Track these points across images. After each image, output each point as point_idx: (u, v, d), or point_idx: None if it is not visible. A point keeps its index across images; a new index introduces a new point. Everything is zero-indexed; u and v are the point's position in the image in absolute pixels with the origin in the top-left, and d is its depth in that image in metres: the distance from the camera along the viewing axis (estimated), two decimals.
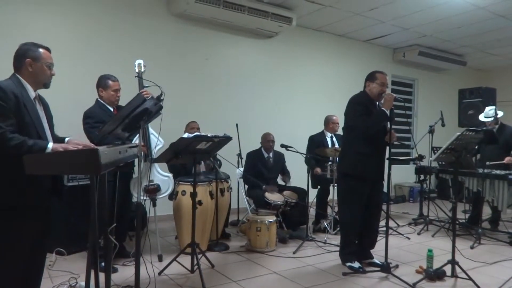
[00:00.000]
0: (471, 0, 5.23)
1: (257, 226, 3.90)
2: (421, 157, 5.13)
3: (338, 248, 3.70)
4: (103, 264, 2.46)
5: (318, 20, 6.19)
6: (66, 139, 2.22)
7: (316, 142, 4.94)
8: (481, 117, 4.99)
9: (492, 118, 4.81)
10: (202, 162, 4.32)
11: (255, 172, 4.72)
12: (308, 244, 4.16)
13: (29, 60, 2.10)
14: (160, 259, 3.56)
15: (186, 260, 3.25)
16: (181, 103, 5.17)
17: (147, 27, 5.11)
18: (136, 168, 3.42)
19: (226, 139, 3.25)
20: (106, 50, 4.78)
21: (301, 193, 4.56)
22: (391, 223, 4.96)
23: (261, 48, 6.18)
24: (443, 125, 5.23)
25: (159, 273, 3.17)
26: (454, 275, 3.19)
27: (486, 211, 5.04)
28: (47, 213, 2.21)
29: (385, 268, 3.22)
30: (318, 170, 4.75)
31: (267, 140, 4.88)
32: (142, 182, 3.17)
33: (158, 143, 3.61)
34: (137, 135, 2.60)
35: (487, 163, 4.63)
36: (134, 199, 3.50)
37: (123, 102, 2.95)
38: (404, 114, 3.95)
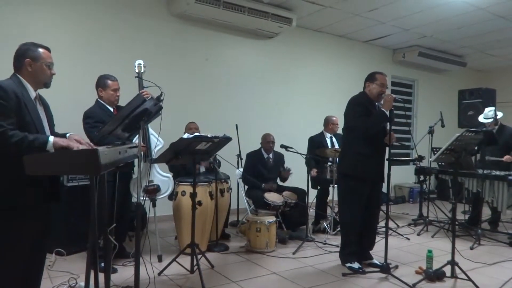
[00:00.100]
0: (471, 1, 5.23)
1: (257, 226, 3.90)
2: (421, 158, 5.14)
3: (337, 249, 3.71)
4: (102, 264, 2.46)
5: (318, 20, 6.19)
6: (68, 135, 2.20)
7: (315, 143, 4.93)
8: (481, 118, 5.00)
9: (492, 119, 4.81)
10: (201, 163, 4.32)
11: (254, 173, 4.72)
12: (308, 245, 4.16)
13: (28, 60, 2.10)
14: (160, 259, 3.56)
15: (185, 260, 3.25)
16: (181, 103, 5.17)
17: (147, 27, 5.11)
18: (136, 169, 3.41)
19: (226, 139, 3.25)
20: (106, 50, 4.79)
21: (301, 194, 4.55)
22: (391, 224, 4.96)
23: (261, 48, 6.17)
24: (442, 126, 5.23)
25: (159, 274, 3.17)
26: (453, 275, 3.19)
27: (486, 212, 5.05)
28: (47, 213, 2.21)
29: (385, 268, 3.22)
30: (314, 171, 4.66)
31: (267, 141, 4.87)
32: (142, 182, 3.17)
33: (158, 143, 3.61)
34: (137, 136, 2.60)
35: (487, 157, 4.64)
36: (134, 200, 3.50)
37: (123, 102, 2.96)
38: (404, 114, 3.92)
